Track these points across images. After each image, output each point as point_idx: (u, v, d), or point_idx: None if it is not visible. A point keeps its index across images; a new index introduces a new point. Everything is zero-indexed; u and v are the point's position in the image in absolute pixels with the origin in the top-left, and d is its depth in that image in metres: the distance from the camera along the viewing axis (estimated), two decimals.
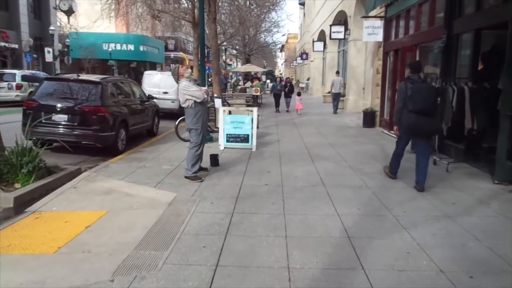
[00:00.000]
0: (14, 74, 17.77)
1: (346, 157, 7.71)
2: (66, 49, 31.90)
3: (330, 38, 18.72)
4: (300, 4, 46.42)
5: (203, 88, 6.12)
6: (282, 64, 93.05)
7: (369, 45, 13.94)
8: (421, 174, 5.41)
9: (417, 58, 9.49)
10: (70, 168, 6.35)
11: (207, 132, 9.19)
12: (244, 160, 7.34)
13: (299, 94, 17.31)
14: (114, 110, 7.84)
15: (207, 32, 14.19)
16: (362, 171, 6.53)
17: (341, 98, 17.63)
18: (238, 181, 5.82)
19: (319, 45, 24.75)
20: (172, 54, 54.18)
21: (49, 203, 4.88)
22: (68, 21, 31.39)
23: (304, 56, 34.97)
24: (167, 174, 6.17)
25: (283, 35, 60.82)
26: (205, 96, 5.85)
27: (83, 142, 7.33)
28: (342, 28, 17.16)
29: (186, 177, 5.83)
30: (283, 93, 17.49)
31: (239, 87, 21.23)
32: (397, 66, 10.91)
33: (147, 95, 10.15)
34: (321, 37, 25.64)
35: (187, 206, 4.72)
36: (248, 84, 20.72)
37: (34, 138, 7.25)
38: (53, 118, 7.23)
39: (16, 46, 26.13)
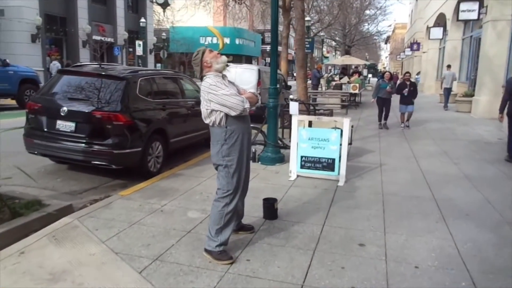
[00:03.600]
0: None
1: (507, 213, 4.36)
2: (162, 43, 31.86)
3: (457, 20, 14.46)
4: None
5: (248, 91, 3.39)
6: (386, 57, 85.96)
7: None
8: None
9: None
10: (54, 205, 4.22)
11: (276, 149, 6.51)
12: (323, 207, 4.48)
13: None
14: (144, 116, 5.59)
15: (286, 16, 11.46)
16: None
17: (463, 98, 14.16)
18: (300, 271, 3.02)
19: (436, 32, 20.14)
20: (268, 48, 52.65)
21: None
22: (164, 14, 31.27)
23: (415, 46, 29.97)
24: (183, 235, 3.63)
25: (389, 25, 55.03)
26: (246, 105, 3.15)
27: (92, 162, 5.20)
28: (475, 5, 12.89)
29: (206, 250, 3.22)
30: (392, 97, 10.87)
31: (334, 83, 18.04)
32: None
33: None
34: (440, 21, 20.95)
35: None
36: (345, 79, 17.44)
37: (36, 152, 5.42)
38: (57, 126, 5.22)
39: (112, 40, 26.45)
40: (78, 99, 5.31)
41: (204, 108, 3.20)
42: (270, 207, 4.06)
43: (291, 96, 7.33)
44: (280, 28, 27.56)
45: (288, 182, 5.42)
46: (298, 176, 5.66)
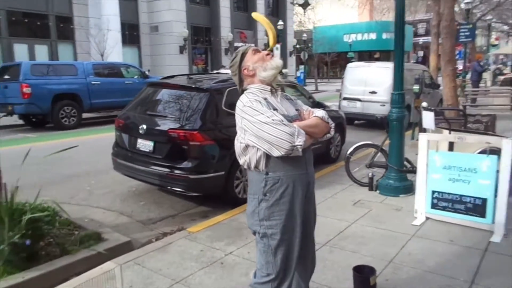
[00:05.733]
0: None
1: None
2: (302, 45, 31.46)
3: None
4: None
5: (314, 115, 2.10)
6: None
7: None
8: None
9: None
10: (111, 241, 3.69)
11: (402, 175, 4.91)
12: (457, 285, 2.83)
13: None
14: (230, 134, 4.66)
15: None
16: None
17: None
18: None
19: None
20: (420, 40, 47.30)
21: None
22: (304, 14, 30.82)
23: None
24: None
25: None
26: (298, 141, 1.87)
27: (169, 188, 4.58)
28: None
29: None
30: None
31: (502, 77, 14.38)
32: None
33: (316, 102, 6.58)
34: None
35: None
36: None
37: (120, 172, 5.12)
38: (137, 145, 4.77)
39: (253, 45, 27.10)
40: (159, 115, 4.77)
41: (237, 141, 2.08)
42: (363, 283, 2.67)
43: (424, 104, 5.49)
44: (431, 15, 23.78)
45: (410, 228, 3.83)
46: (427, 218, 4.00)
